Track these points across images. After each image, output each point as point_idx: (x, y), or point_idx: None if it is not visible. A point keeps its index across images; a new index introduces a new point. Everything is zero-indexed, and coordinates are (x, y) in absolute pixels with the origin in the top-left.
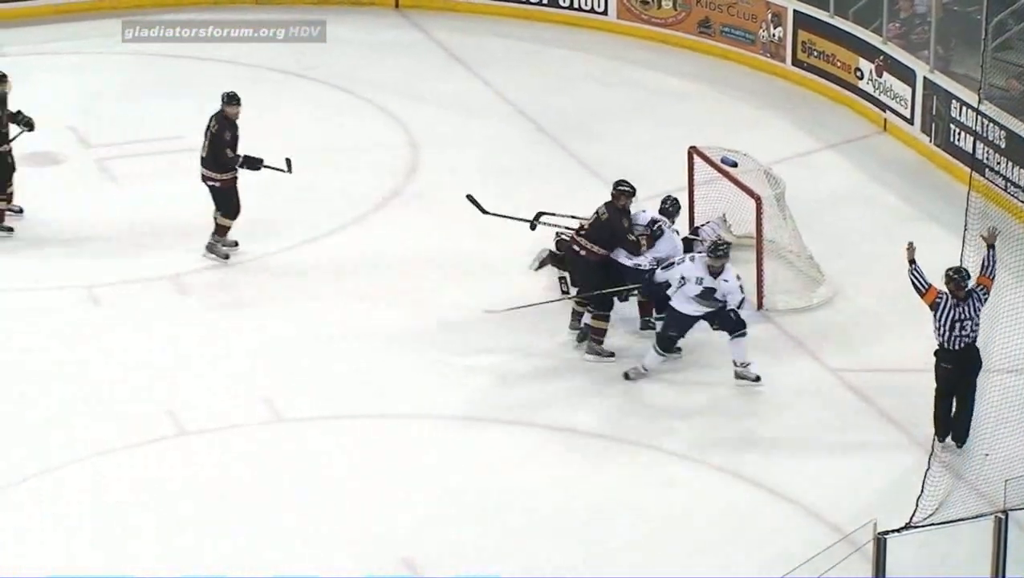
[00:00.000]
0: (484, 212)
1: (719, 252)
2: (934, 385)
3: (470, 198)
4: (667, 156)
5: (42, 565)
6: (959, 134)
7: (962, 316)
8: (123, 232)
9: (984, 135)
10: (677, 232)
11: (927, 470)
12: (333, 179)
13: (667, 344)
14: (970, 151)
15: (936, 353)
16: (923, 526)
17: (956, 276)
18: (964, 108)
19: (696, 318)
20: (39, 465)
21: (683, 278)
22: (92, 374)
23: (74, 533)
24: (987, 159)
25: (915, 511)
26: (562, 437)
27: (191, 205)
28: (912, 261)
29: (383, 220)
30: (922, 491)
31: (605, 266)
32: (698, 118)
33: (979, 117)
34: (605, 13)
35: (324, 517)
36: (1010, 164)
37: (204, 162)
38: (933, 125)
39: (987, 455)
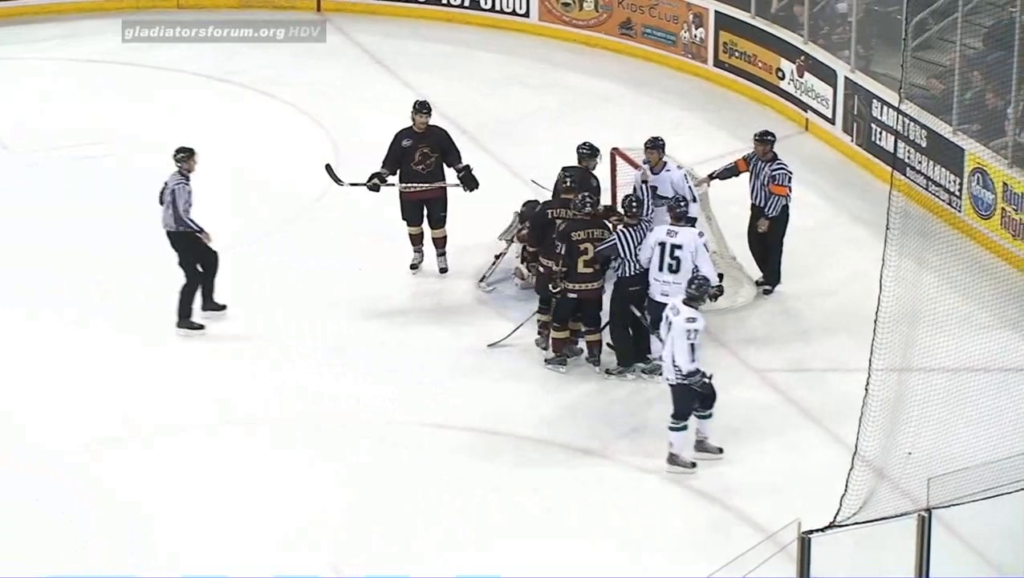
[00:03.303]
0: (340, 183)
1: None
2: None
3: (328, 169)
4: None
5: (37, 566)
6: (880, 133)
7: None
8: (50, 239)
9: (905, 134)
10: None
11: (850, 469)
12: (254, 183)
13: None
14: (891, 150)
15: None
16: (847, 525)
17: (770, 137)
18: (885, 107)
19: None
20: (32, 464)
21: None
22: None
23: (70, 532)
24: (908, 158)
25: (839, 510)
26: (501, 440)
27: (116, 210)
28: (711, 176)
29: (306, 224)
30: (845, 490)
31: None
32: (621, 120)
33: (900, 116)
34: (527, 15)
35: (292, 517)
36: (931, 163)
37: None
38: (854, 125)
39: (910, 454)
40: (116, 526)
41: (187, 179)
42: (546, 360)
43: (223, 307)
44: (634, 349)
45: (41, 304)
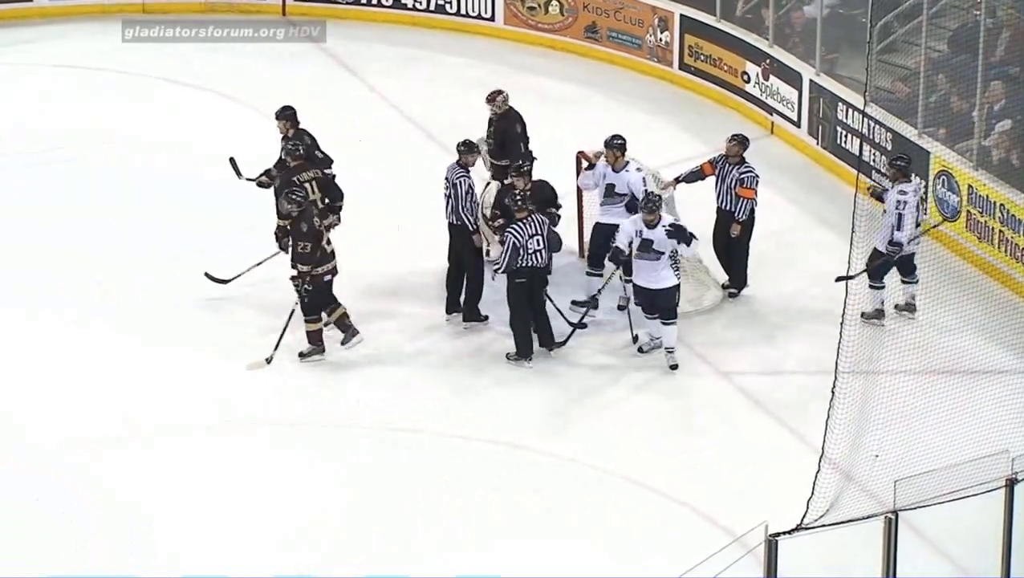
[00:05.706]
0: (240, 176)
1: (651, 205)
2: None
3: (232, 162)
4: (556, 161)
5: (37, 566)
6: (845, 136)
7: (731, 176)
8: (50, 239)
9: (870, 137)
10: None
11: (817, 472)
12: (219, 187)
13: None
14: (856, 153)
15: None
16: (814, 527)
17: (745, 139)
18: (850, 110)
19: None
20: (32, 464)
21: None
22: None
23: (70, 532)
24: (873, 161)
25: (806, 513)
26: (500, 441)
27: (116, 210)
28: (677, 180)
29: (269, 229)
30: (812, 493)
31: None
32: (587, 123)
33: (865, 119)
34: (492, 19)
35: (292, 517)
36: None
37: None
38: (820, 128)
39: (877, 456)
40: (116, 526)
41: (467, 172)
42: (300, 353)
43: (485, 318)
44: (530, 340)
45: (41, 304)
